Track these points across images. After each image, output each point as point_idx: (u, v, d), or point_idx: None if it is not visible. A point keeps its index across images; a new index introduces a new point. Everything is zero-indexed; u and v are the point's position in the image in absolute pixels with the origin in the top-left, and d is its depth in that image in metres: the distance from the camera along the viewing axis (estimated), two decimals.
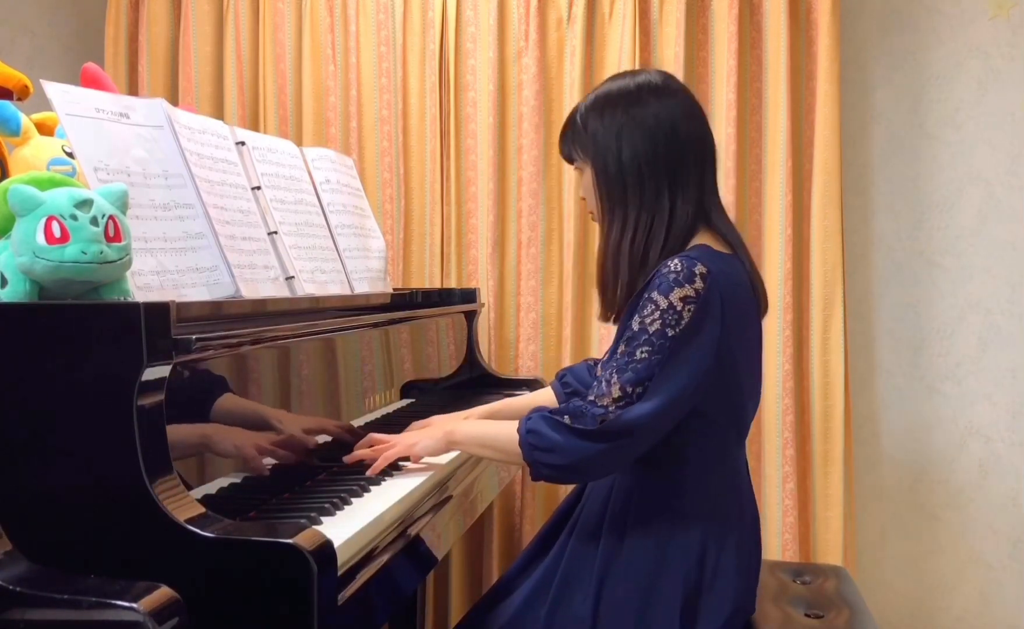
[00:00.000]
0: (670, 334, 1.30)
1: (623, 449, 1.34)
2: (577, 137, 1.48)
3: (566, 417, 1.33)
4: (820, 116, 2.41)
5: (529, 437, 1.36)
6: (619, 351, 1.34)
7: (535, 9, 2.48)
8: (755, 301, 1.43)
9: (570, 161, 1.53)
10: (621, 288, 1.42)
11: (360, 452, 1.53)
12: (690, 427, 1.37)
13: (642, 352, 1.31)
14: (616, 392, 1.31)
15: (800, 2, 2.45)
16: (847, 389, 2.42)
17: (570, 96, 2.48)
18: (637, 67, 2.42)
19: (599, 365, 1.41)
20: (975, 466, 2.58)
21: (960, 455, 2.59)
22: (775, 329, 2.42)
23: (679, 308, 1.30)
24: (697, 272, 1.31)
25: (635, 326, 1.32)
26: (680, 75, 2.41)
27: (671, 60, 2.46)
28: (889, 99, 2.59)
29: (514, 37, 2.51)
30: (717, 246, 1.41)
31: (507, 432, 1.41)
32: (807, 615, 1.64)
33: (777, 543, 2.41)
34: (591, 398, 1.34)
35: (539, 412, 1.38)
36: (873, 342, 2.62)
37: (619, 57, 2.46)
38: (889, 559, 2.64)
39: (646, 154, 1.40)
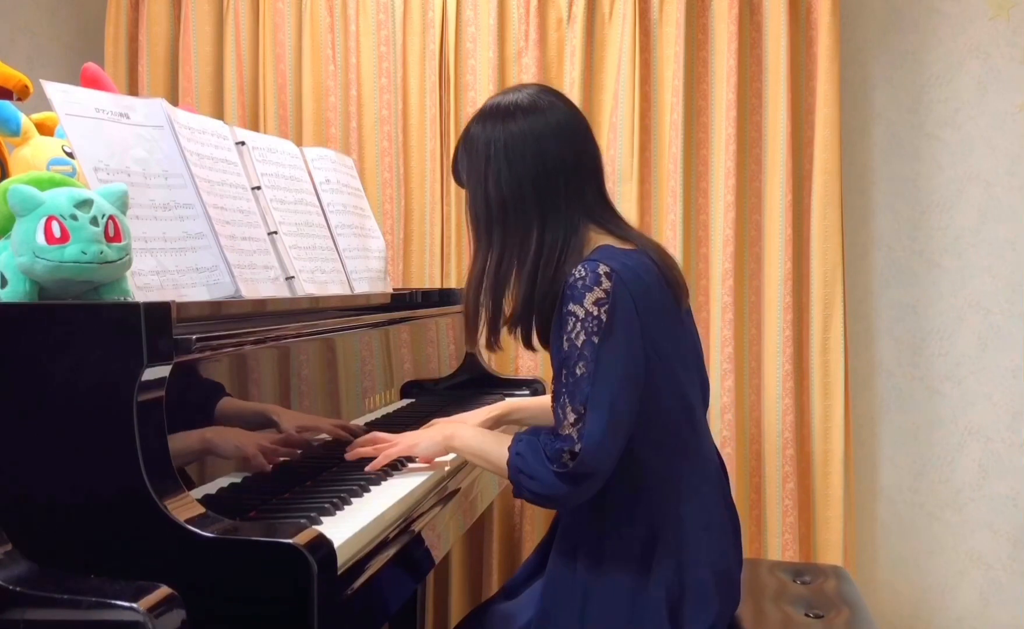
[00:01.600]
0: (596, 342, 1.30)
1: (592, 484, 1.34)
2: (460, 160, 1.48)
3: (550, 451, 1.34)
4: (820, 116, 2.41)
5: (517, 459, 1.37)
6: (563, 375, 1.34)
7: (535, 9, 2.48)
8: (668, 289, 1.41)
9: (464, 187, 1.52)
10: (485, 316, 1.43)
11: (361, 450, 1.53)
12: (640, 433, 1.36)
13: (580, 368, 1.31)
14: (572, 416, 1.32)
15: (800, 2, 2.45)
16: (847, 389, 2.42)
17: (570, 96, 2.46)
18: (637, 66, 2.43)
19: (554, 394, 1.39)
20: (975, 466, 2.58)
21: (960, 455, 2.59)
22: (775, 329, 2.42)
23: (595, 313, 1.30)
24: (601, 272, 1.31)
25: (566, 345, 1.32)
26: (680, 75, 2.42)
27: (671, 60, 2.46)
28: (889, 99, 2.59)
29: (514, 37, 2.51)
30: (620, 244, 1.40)
31: (500, 448, 1.42)
32: (807, 615, 1.64)
33: (777, 543, 2.41)
34: (556, 431, 1.34)
35: (530, 435, 1.39)
36: (873, 342, 2.63)
37: (619, 57, 2.46)
38: (889, 559, 2.64)
39: (509, 183, 1.39)
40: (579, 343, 1.31)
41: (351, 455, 1.53)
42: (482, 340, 1.47)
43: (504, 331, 1.47)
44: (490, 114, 1.44)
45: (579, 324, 1.31)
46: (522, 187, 1.39)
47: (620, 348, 1.31)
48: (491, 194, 1.41)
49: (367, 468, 1.48)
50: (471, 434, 1.55)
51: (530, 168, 1.39)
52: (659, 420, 1.39)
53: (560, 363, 1.34)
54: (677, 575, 1.37)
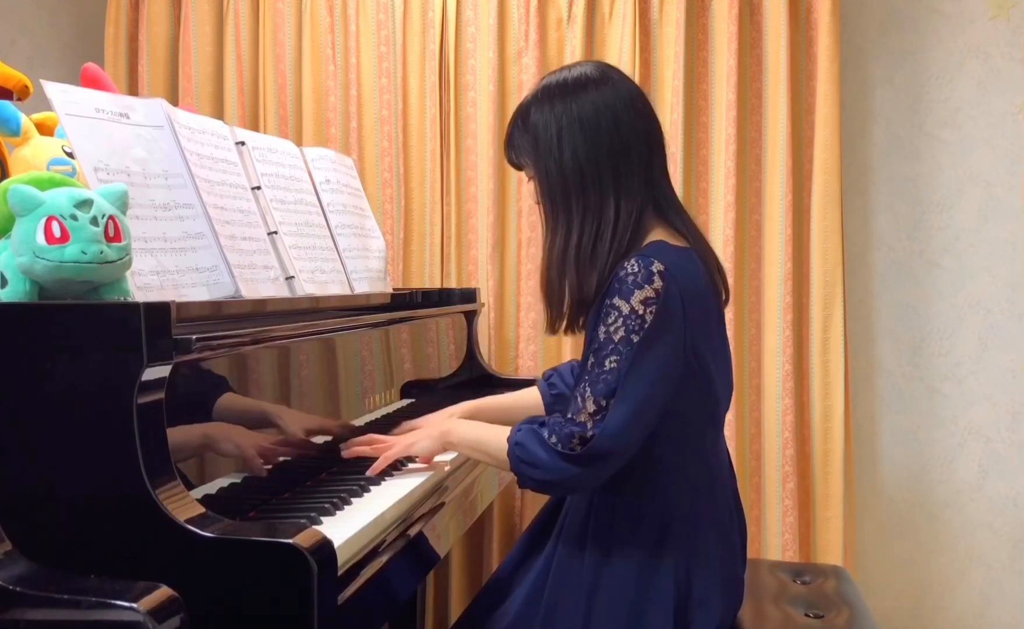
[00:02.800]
0: (635, 340, 1.28)
1: (604, 469, 1.34)
2: (520, 140, 1.45)
3: (551, 436, 1.33)
4: (820, 116, 2.41)
5: (516, 449, 1.36)
6: (590, 363, 1.32)
7: (535, 9, 2.48)
8: (714, 293, 1.41)
9: (518, 167, 1.50)
10: (570, 295, 1.40)
11: (359, 449, 1.53)
12: (664, 429, 1.36)
13: (611, 362, 1.30)
14: (591, 406, 1.30)
15: (800, 2, 2.45)
16: (847, 389, 2.42)
17: None
18: (637, 66, 2.43)
19: (576, 380, 1.38)
20: (975, 466, 2.58)
21: (960, 455, 2.59)
22: (775, 329, 2.42)
23: (640, 312, 1.28)
24: (655, 271, 1.29)
25: (601, 336, 1.31)
26: (680, 75, 2.42)
27: (671, 60, 2.46)
28: (889, 99, 2.59)
29: (514, 37, 2.51)
30: (672, 240, 1.39)
31: (499, 440, 1.41)
32: (807, 615, 1.64)
33: (777, 543, 2.41)
34: (570, 415, 1.33)
35: (529, 424, 1.38)
36: (873, 342, 2.62)
37: (619, 57, 2.46)
38: (889, 559, 2.64)
39: (587, 153, 1.37)
40: (616, 338, 1.29)
41: (348, 454, 1.52)
42: (564, 322, 1.43)
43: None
44: (557, 90, 1.41)
45: (620, 319, 1.29)
46: (599, 157, 1.37)
47: (659, 351, 1.30)
48: (567, 166, 1.38)
49: (368, 472, 1.47)
50: (468, 429, 1.54)
51: (606, 137, 1.37)
52: (685, 421, 1.38)
53: (591, 352, 1.33)
54: (685, 572, 1.37)
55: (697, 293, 1.34)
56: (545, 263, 1.43)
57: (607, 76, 1.42)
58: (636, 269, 1.29)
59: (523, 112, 1.44)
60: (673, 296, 1.30)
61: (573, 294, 1.40)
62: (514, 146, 1.47)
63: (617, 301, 1.30)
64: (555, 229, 1.41)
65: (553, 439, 1.32)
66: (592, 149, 1.37)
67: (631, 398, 1.29)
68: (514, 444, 1.37)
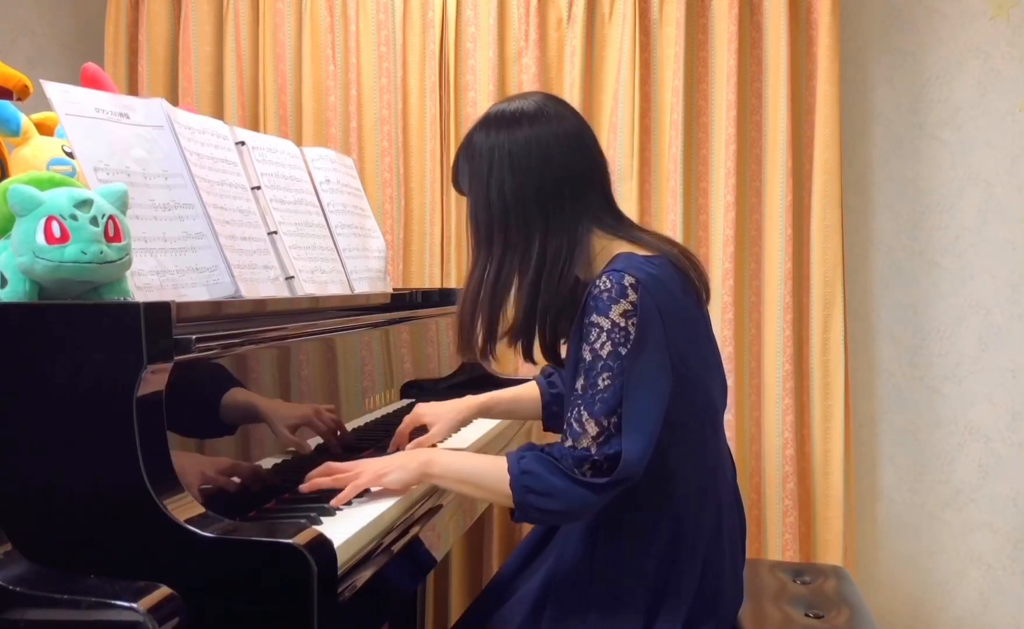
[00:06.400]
0: (623, 353, 1.26)
1: (617, 492, 1.29)
2: (460, 168, 1.45)
3: (568, 464, 1.27)
4: (820, 116, 2.41)
5: (524, 478, 1.28)
6: (580, 385, 1.29)
7: (535, 9, 2.48)
8: (691, 293, 1.38)
9: (462, 193, 1.48)
10: (481, 327, 1.38)
11: (319, 480, 1.36)
12: (670, 440, 1.33)
13: (604, 380, 1.27)
14: (593, 428, 1.27)
15: (800, 2, 2.45)
16: (847, 389, 2.42)
17: (570, 96, 2.47)
18: (637, 66, 2.43)
19: (567, 404, 1.34)
20: (975, 466, 2.58)
21: (960, 455, 2.59)
22: (775, 329, 2.42)
23: (623, 324, 1.26)
24: (627, 284, 1.27)
25: (587, 355, 1.28)
26: (680, 75, 2.42)
27: (671, 60, 2.46)
28: (889, 99, 2.59)
29: (514, 37, 2.51)
30: (639, 250, 1.36)
31: (494, 470, 1.32)
32: (807, 615, 1.64)
33: (777, 543, 2.41)
34: (569, 444, 1.28)
35: (532, 451, 1.31)
36: (873, 342, 2.62)
37: (619, 57, 2.46)
38: (889, 559, 2.64)
39: (513, 191, 1.35)
40: (604, 354, 1.27)
41: (306, 487, 1.35)
42: (476, 352, 1.42)
43: (503, 343, 1.42)
44: (494, 121, 1.39)
45: (604, 335, 1.27)
46: (525, 196, 1.35)
47: (650, 361, 1.27)
48: (493, 201, 1.36)
49: (332, 502, 1.30)
50: (453, 459, 1.42)
51: (535, 176, 1.35)
52: (687, 427, 1.36)
53: (578, 374, 1.30)
54: (699, 578, 1.37)
55: (672, 298, 1.32)
56: (463, 294, 1.42)
57: (542, 111, 1.39)
58: (608, 285, 1.28)
59: (466, 141, 1.43)
60: (649, 306, 1.27)
61: (485, 327, 1.38)
62: (457, 170, 1.47)
63: (596, 318, 1.27)
64: (476, 260, 1.40)
65: (567, 468, 1.27)
66: (517, 187, 1.35)
67: (641, 419, 1.26)
68: (520, 472, 1.29)
